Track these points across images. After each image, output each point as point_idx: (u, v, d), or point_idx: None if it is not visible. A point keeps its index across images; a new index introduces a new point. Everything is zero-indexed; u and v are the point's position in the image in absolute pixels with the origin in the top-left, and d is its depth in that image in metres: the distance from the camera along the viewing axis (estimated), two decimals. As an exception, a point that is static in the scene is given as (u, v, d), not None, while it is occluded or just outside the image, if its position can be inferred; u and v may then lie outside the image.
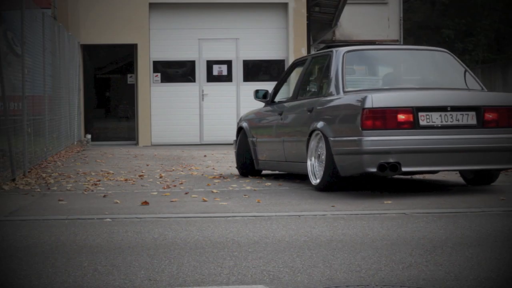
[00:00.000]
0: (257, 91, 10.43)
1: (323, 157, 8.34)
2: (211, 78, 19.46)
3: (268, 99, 10.27)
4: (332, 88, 8.56)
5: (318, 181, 8.46)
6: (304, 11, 19.38)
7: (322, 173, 8.39)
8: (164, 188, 9.14)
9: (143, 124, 19.18)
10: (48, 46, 13.65)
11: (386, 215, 6.79)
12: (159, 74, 19.43)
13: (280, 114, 9.72)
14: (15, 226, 6.41)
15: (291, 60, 19.18)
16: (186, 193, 8.56)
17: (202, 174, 10.86)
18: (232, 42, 19.42)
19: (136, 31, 19.02)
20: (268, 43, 19.47)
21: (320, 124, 8.42)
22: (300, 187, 9.08)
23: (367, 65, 9.30)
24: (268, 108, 10.29)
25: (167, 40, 19.33)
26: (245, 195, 8.31)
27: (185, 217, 6.77)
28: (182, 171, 11.52)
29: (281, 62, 19.51)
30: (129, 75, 20.56)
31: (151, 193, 8.62)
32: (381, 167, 7.66)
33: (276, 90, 10.30)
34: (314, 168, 8.65)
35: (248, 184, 9.35)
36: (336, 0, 22.24)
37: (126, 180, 10.15)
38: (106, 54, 21.96)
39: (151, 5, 19.13)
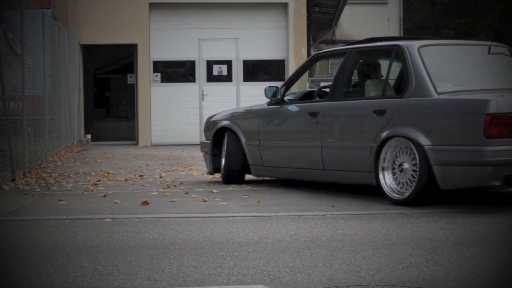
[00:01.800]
0: (269, 89, 9.17)
1: (406, 166, 7.32)
2: (211, 78, 19.46)
3: (279, 97, 9.02)
4: (419, 88, 7.41)
5: (407, 194, 7.28)
6: (304, 11, 19.37)
7: (401, 185, 7.38)
8: (164, 188, 9.14)
9: (143, 124, 19.18)
10: (48, 46, 13.64)
11: (386, 215, 6.79)
12: (159, 74, 19.42)
13: (314, 115, 8.37)
14: (15, 226, 6.41)
15: (291, 60, 19.18)
16: (186, 193, 8.56)
17: (202, 174, 10.85)
18: (232, 42, 19.42)
19: (136, 31, 19.02)
20: (268, 43, 19.47)
21: (404, 129, 7.31)
22: (300, 187, 9.08)
23: (443, 61, 8.00)
24: (278, 107, 9.05)
25: (167, 40, 19.33)
26: (245, 195, 8.31)
27: (185, 217, 6.77)
28: (182, 171, 11.52)
29: (281, 62, 19.51)
30: (129, 75, 20.55)
31: (151, 193, 8.62)
32: (508, 180, 6.80)
33: (288, 87, 9.20)
34: (386, 179, 7.53)
35: (248, 184, 9.32)
36: (336, 0, 22.24)
37: (126, 180, 10.15)
38: (106, 54, 21.95)
39: (151, 5, 19.13)
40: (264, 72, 19.70)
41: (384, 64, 8.28)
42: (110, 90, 23.16)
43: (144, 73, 19.18)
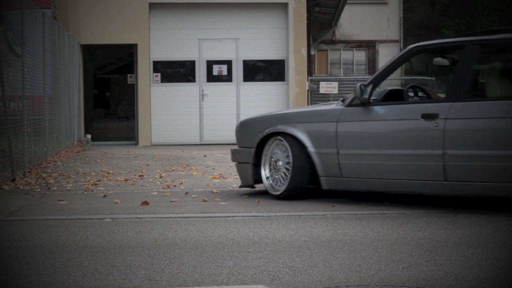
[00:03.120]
0: (364, 87, 7.53)
1: None
2: (211, 78, 19.46)
3: (366, 96, 7.49)
4: None
5: None
6: (304, 11, 19.37)
7: None
8: (164, 188, 9.14)
9: (143, 124, 19.18)
10: (48, 46, 13.64)
11: (386, 215, 6.79)
12: (159, 74, 19.43)
13: (431, 117, 7.06)
14: (15, 226, 6.41)
15: (291, 60, 19.18)
16: (186, 193, 8.56)
17: (202, 174, 10.85)
18: (232, 42, 19.42)
19: (136, 31, 19.02)
20: (268, 43, 19.47)
21: None
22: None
23: None
24: (364, 108, 7.56)
25: (167, 40, 19.33)
26: (245, 195, 8.31)
27: (185, 217, 6.77)
28: (182, 171, 11.52)
29: (281, 62, 19.51)
30: (129, 75, 20.55)
31: (151, 193, 8.62)
32: None
33: (376, 85, 7.66)
34: None
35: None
36: (336, 0, 22.24)
37: (126, 180, 10.15)
38: (106, 54, 21.95)
39: (151, 5, 19.13)
40: (264, 72, 19.71)
41: None
42: (110, 90, 23.16)
43: (144, 73, 19.18)
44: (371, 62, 28.57)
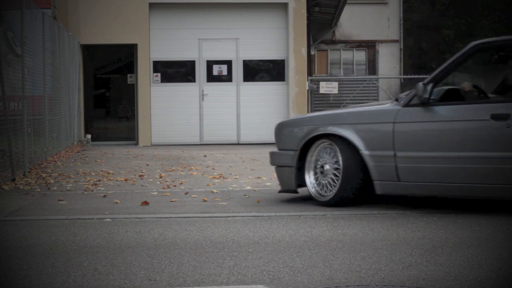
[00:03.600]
0: (425, 85, 7.10)
1: None
2: (211, 78, 19.46)
3: (426, 96, 7.07)
4: None
5: None
6: (304, 11, 19.37)
7: None
8: (164, 188, 9.14)
9: (143, 124, 19.18)
10: (48, 46, 13.64)
11: (386, 215, 6.79)
12: (159, 74, 19.42)
13: (502, 118, 6.68)
14: (15, 226, 6.41)
15: (291, 60, 19.17)
16: (186, 193, 8.56)
17: (202, 174, 10.85)
18: (232, 42, 19.42)
19: (136, 31, 19.02)
20: (268, 43, 19.47)
21: None
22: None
23: None
24: (425, 108, 7.12)
25: (167, 40, 19.33)
26: (245, 195, 8.31)
27: (185, 217, 6.77)
28: (182, 171, 11.52)
29: (281, 62, 19.50)
30: (129, 75, 20.55)
31: (151, 193, 8.62)
32: None
33: (436, 84, 7.21)
34: None
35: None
36: (336, 0, 22.24)
37: (126, 180, 10.15)
38: (106, 54, 21.94)
39: (151, 5, 19.12)
40: (264, 72, 19.70)
41: None
42: (110, 90, 23.16)
43: (144, 73, 19.17)
44: (371, 62, 28.57)
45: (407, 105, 7.20)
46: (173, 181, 9.89)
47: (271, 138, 20.20)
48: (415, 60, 32.31)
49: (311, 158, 7.63)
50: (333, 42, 28.41)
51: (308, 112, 19.51)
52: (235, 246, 5.37)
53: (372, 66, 28.59)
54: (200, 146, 18.62)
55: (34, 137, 11.74)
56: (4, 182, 9.31)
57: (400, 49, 28.64)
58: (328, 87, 22.72)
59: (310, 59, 21.67)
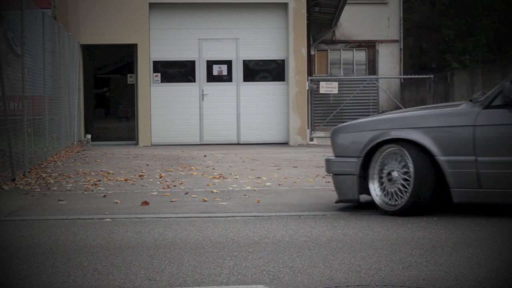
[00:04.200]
0: (510, 84, 6.61)
1: None
2: (211, 78, 19.45)
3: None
4: None
5: None
6: (304, 11, 19.37)
7: None
8: (164, 188, 9.14)
9: (143, 124, 19.18)
10: (48, 46, 13.64)
11: (386, 215, 6.79)
12: (159, 74, 19.42)
13: None
14: (15, 226, 6.41)
15: (291, 60, 19.18)
16: (186, 193, 8.56)
17: (202, 174, 10.85)
18: (232, 42, 19.42)
19: (136, 31, 19.01)
20: (268, 43, 19.46)
21: None
22: (300, 187, 9.08)
23: None
24: (508, 111, 6.62)
25: (167, 40, 19.33)
26: (245, 195, 8.31)
27: (185, 217, 6.77)
28: (182, 171, 11.52)
29: (281, 62, 19.51)
30: (129, 75, 20.55)
31: (151, 193, 8.62)
32: None
33: None
34: None
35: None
36: (336, 0, 22.24)
37: (126, 180, 10.15)
38: (106, 54, 21.95)
39: (151, 5, 19.12)
40: (264, 72, 19.70)
41: None
42: (110, 90, 23.17)
43: (144, 73, 19.18)
44: (371, 62, 28.57)
45: (488, 106, 6.71)
46: (173, 181, 9.89)
47: (271, 138, 20.23)
48: (415, 60, 32.31)
49: (375, 165, 7.10)
50: (333, 42, 28.42)
51: (308, 112, 19.51)
52: (235, 246, 5.37)
53: (372, 66, 28.60)
54: (200, 146, 18.62)
55: (34, 137, 11.74)
56: (4, 182, 9.31)
57: (400, 49, 28.65)
58: (328, 87, 22.72)
59: (310, 59, 21.67)
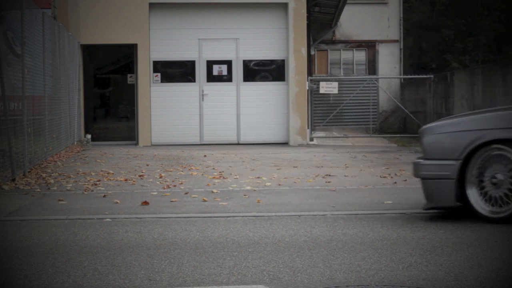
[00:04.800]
0: None
1: None
2: (211, 78, 19.45)
3: None
4: None
5: None
6: (304, 11, 19.36)
7: None
8: (164, 188, 9.14)
9: (143, 124, 19.18)
10: (48, 46, 13.64)
11: (386, 215, 6.79)
12: (159, 74, 19.42)
13: None
14: (15, 226, 6.41)
15: (291, 60, 19.17)
16: (186, 193, 8.55)
17: (202, 174, 10.85)
18: (232, 42, 19.41)
19: (136, 31, 19.01)
20: (268, 43, 19.46)
21: None
22: (300, 187, 9.07)
23: None
24: None
25: (167, 40, 19.32)
26: (245, 195, 8.31)
27: (185, 217, 6.77)
28: (182, 171, 11.51)
29: (281, 62, 19.50)
30: (129, 75, 20.54)
31: (151, 193, 8.62)
32: None
33: None
34: None
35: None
36: (336, 0, 22.24)
37: (126, 180, 10.15)
38: (106, 54, 21.95)
39: (151, 5, 19.12)
40: (264, 72, 19.70)
41: None
42: (110, 90, 23.18)
43: (144, 73, 19.17)
44: (371, 62, 28.57)
45: None
46: (173, 181, 9.89)
47: (271, 138, 20.23)
48: (415, 60, 32.30)
49: (473, 167, 6.50)
50: (333, 42, 28.41)
51: (308, 112, 19.51)
52: (235, 246, 5.37)
53: (372, 66, 28.59)
54: (200, 146, 18.62)
55: (34, 137, 11.74)
56: (4, 182, 9.31)
57: (400, 49, 28.64)
58: (328, 87, 22.71)
59: (310, 59, 21.67)
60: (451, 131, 6.65)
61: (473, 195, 6.46)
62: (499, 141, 6.41)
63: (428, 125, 6.98)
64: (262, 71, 19.74)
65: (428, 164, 6.67)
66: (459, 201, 6.48)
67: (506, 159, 6.36)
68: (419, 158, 6.85)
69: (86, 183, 9.76)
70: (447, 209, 6.71)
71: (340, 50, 28.64)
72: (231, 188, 9.02)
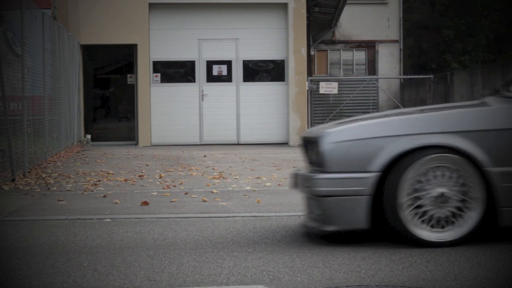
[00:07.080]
0: None
1: None
2: (211, 78, 19.46)
3: None
4: None
5: None
6: (304, 11, 19.37)
7: None
8: (164, 188, 9.14)
9: (143, 124, 19.18)
10: (48, 46, 13.64)
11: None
12: (159, 74, 19.42)
13: None
14: (15, 226, 6.41)
15: (291, 60, 19.19)
16: (186, 193, 8.55)
17: (202, 174, 10.85)
18: (232, 42, 19.42)
19: (136, 31, 19.01)
20: (268, 43, 19.47)
21: None
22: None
23: None
24: None
25: (167, 40, 19.33)
26: (245, 195, 8.31)
27: (185, 217, 6.77)
28: (182, 171, 11.51)
29: (281, 62, 19.50)
30: (129, 75, 20.55)
31: (151, 193, 8.62)
32: None
33: None
34: None
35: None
36: (336, 0, 22.24)
37: (126, 180, 10.15)
38: (106, 54, 21.95)
39: (151, 5, 19.12)
40: (264, 72, 19.70)
41: None
42: (110, 90, 23.18)
43: (144, 73, 19.17)
44: (371, 62, 28.57)
45: None
46: (173, 181, 9.89)
47: (271, 138, 20.23)
48: (415, 60, 32.30)
49: (404, 180, 5.23)
50: (333, 42, 28.41)
51: (308, 112, 19.51)
52: (235, 246, 5.37)
53: (372, 66, 28.60)
54: (200, 146, 18.62)
55: (34, 137, 11.74)
56: (4, 182, 9.31)
57: (400, 49, 28.64)
58: (328, 87, 22.72)
59: (310, 59, 21.67)
60: (366, 136, 5.37)
61: (404, 214, 5.23)
62: (433, 148, 5.28)
63: (329, 129, 5.53)
64: (262, 71, 19.74)
65: (331, 178, 5.33)
66: (373, 221, 5.35)
67: (448, 170, 5.28)
68: (312, 171, 5.52)
69: (86, 183, 9.76)
70: (359, 230, 5.44)
71: (340, 50, 28.64)
72: (231, 188, 9.02)
